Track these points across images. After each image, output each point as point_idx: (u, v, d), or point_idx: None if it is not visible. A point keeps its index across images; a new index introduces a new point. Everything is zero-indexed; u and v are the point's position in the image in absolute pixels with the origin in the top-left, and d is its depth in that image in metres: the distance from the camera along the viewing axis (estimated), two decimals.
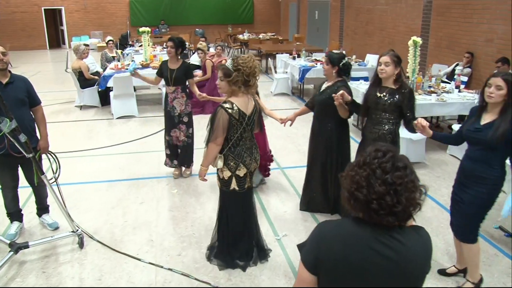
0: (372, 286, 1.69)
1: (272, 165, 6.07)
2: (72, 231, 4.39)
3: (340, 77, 4.69)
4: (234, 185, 3.83)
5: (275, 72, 11.76)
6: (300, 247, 1.89)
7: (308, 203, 5.17)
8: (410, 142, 6.46)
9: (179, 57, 5.89)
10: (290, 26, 22.55)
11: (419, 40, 7.89)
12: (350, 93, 4.48)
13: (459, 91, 7.84)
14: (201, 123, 7.33)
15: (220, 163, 3.75)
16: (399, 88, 4.13)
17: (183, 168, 6.23)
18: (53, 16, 22.87)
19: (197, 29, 22.46)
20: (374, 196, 1.63)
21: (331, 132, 4.75)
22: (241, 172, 3.80)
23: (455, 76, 8.73)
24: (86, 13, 22.42)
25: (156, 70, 9.51)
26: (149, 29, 10.61)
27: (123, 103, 9.19)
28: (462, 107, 7.25)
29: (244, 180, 3.85)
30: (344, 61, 4.60)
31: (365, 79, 9.19)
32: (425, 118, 4.42)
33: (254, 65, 3.66)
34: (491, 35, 8.91)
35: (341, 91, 4.29)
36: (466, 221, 3.64)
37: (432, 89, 7.74)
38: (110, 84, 9.25)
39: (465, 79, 8.94)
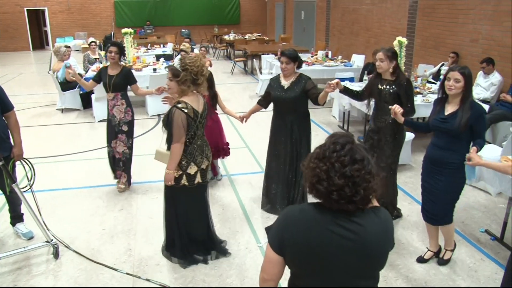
0: (335, 266, 1.79)
1: (256, 169, 5.95)
2: (46, 241, 4.23)
3: (297, 72, 4.86)
4: (184, 181, 3.89)
5: (260, 73, 11.64)
6: (267, 229, 1.99)
7: (269, 202, 5.21)
8: None
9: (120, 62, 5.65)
10: (276, 26, 22.44)
11: (404, 40, 7.81)
12: (312, 83, 4.77)
13: None
14: None
15: (184, 160, 3.81)
16: (396, 79, 4.48)
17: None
18: (36, 17, 22.52)
19: (183, 30, 22.29)
20: (334, 188, 1.71)
21: (296, 126, 4.88)
22: (192, 170, 3.87)
23: (441, 77, 8.69)
24: (70, 14, 22.11)
25: (138, 72, 9.48)
26: (132, 30, 10.40)
27: (105, 106, 8.95)
28: None
29: (194, 176, 3.91)
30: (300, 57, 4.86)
31: (351, 80, 9.11)
32: (412, 119, 4.53)
33: (201, 64, 3.74)
34: (476, 35, 8.87)
35: (337, 80, 4.48)
36: (444, 206, 3.95)
37: (417, 89, 7.67)
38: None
39: None
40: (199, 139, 3.89)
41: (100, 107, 8.92)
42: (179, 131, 3.66)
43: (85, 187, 5.87)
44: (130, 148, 5.71)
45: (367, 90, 4.74)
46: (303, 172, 1.85)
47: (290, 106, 4.83)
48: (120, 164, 5.70)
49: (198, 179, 3.94)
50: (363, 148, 1.79)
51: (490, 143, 7.36)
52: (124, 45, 5.63)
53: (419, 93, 7.46)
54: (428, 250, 4.27)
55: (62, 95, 9.72)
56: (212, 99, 5.51)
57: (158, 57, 11.99)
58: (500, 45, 8.23)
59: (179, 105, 3.66)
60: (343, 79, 8.95)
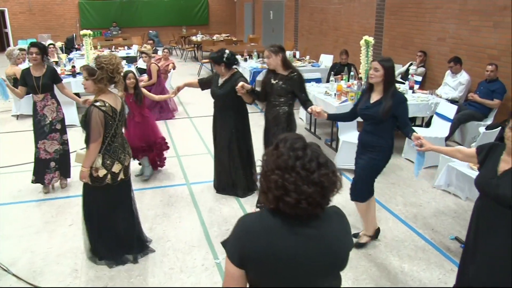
0: (302, 269, 1.70)
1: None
2: None
3: (231, 69, 5.11)
4: (108, 180, 3.86)
5: None
6: (224, 243, 1.83)
7: (218, 187, 5.60)
8: None
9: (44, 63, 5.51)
10: (245, 26, 22.14)
11: (370, 39, 7.64)
12: (246, 82, 4.95)
13: (413, 92, 7.62)
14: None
15: (98, 162, 3.77)
16: (289, 74, 4.73)
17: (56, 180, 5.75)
18: None
19: (150, 31, 21.80)
20: (303, 197, 1.63)
21: (233, 122, 5.21)
22: (117, 168, 3.87)
23: (409, 76, 8.55)
24: (31, 15, 21.34)
25: None
26: (91, 32, 9.98)
27: (70, 109, 8.53)
28: (417, 109, 7.01)
29: (118, 174, 3.90)
30: (226, 55, 5.00)
31: (317, 80, 8.88)
32: (336, 113, 5.06)
33: (117, 62, 3.79)
34: (443, 34, 8.76)
35: (241, 83, 4.73)
36: (359, 182, 4.24)
37: None
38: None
39: (419, 79, 8.77)
40: (120, 137, 3.91)
41: (65, 111, 8.46)
42: (97, 129, 3.65)
43: (33, 200, 5.46)
44: (66, 143, 5.66)
45: (262, 89, 4.94)
46: (260, 182, 1.74)
47: (221, 102, 5.20)
48: (52, 165, 5.57)
49: (121, 175, 3.94)
50: (317, 146, 1.73)
51: (459, 144, 7.23)
52: (46, 44, 5.53)
53: None
54: (365, 235, 4.47)
55: (17, 101, 9.21)
56: (136, 96, 5.69)
57: (121, 59, 11.55)
58: (467, 44, 8.12)
59: (97, 104, 3.67)
60: (309, 80, 8.72)
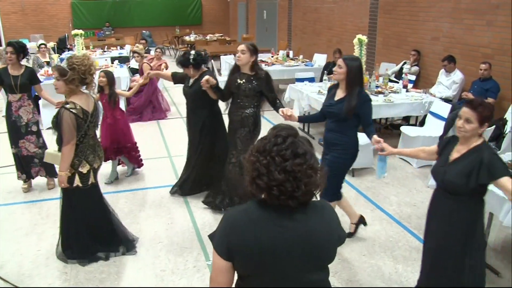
0: (286, 261, 1.73)
1: None
2: None
3: (200, 69, 5.03)
4: (77, 181, 3.85)
5: (220, 74, 11.27)
6: (211, 237, 1.86)
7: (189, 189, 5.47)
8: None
9: (21, 62, 5.49)
10: (239, 26, 22.07)
11: (364, 38, 7.60)
12: (215, 78, 4.79)
13: (407, 91, 7.59)
14: (138, 131, 6.80)
15: (75, 161, 3.79)
16: (255, 74, 4.61)
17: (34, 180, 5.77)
18: None
19: (143, 31, 21.69)
20: (274, 183, 1.66)
21: (202, 121, 5.09)
22: (84, 169, 3.84)
23: (403, 75, 8.52)
24: (24, 15, 21.19)
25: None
26: (83, 32, 9.89)
27: (53, 113, 8.33)
28: (410, 108, 6.99)
29: (87, 176, 3.89)
30: (192, 57, 4.92)
31: (311, 80, 8.83)
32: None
33: (89, 63, 3.77)
34: (437, 33, 8.73)
35: (206, 77, 4.63)
36: (327, 181, 4.04)
37: (379, 89, 7.45)
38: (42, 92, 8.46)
39: (413, 77, 8.74)
40: (91, 138, 3.89)
41: (48, 114, 8.38)
42: (69, 132, 3.63)
43: (23, 202, 5.38)
44: (43, 147, 5.60)
45: (226, 88, 4.79)
46: (244, 165, 1.80)
47: (191, 101, 5.16)
48: (36, 161, 5.57)
49: (91, 179, 3.93)
50: (306, 141, 1.76)
51: None
52: (23, 44, 5.47)
53: (380, 92, 7.24)
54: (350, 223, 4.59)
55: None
56: (110, 97, 5.64)
57: (113, 59, 11.47)
58: (460, 43, 8.10)
59: (67, 106, 3.65)
60: (302, 79, 8.68)
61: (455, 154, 3.00)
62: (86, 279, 3.88)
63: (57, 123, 3.69)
